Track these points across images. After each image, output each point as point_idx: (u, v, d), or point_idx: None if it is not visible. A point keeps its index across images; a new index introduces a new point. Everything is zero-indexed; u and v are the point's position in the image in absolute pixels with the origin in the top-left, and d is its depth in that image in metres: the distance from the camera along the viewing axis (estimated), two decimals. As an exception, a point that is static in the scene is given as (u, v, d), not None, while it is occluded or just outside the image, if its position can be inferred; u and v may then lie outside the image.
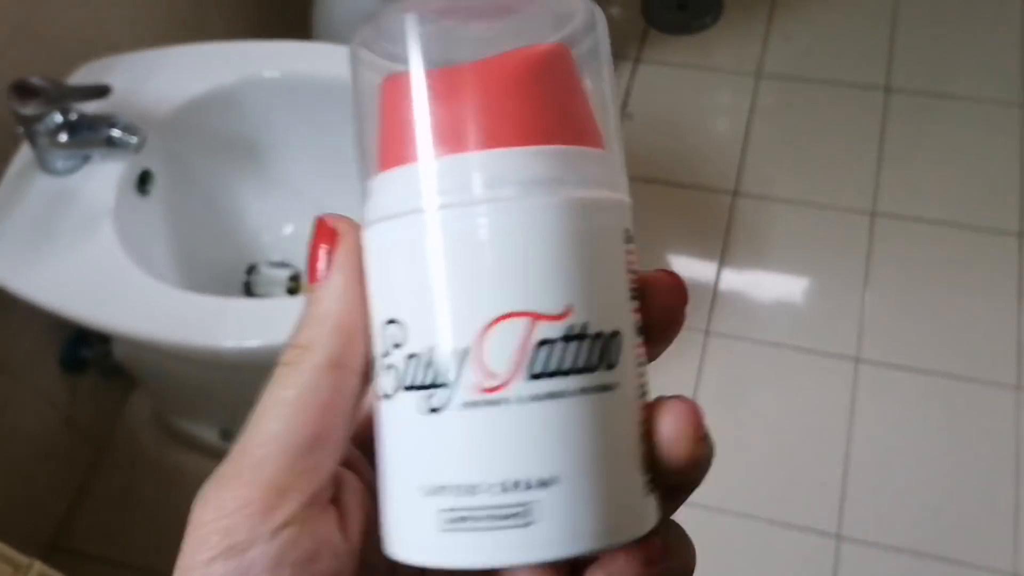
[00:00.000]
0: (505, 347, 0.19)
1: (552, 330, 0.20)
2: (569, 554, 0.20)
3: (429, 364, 0.20)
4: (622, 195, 0.22)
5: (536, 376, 0.19)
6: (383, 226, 0.21)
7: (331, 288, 0.22)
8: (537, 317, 0.20)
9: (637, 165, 1.38)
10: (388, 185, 0.21)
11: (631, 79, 1.48)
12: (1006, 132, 1.36)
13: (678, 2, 1.55)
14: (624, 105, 1.45)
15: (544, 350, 0.19)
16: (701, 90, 1.48)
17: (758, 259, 1.30)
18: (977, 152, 1.35)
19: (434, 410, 0.20)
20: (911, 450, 1.13)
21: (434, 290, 0.20)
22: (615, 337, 0.20)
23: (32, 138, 0.79)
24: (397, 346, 0.21)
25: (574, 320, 0.20)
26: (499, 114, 0.21)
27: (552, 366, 0.19)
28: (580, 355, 0.20)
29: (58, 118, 0.78)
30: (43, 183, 0.82)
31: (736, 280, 1.27)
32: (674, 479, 0.21)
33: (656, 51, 1.51)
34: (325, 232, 0.22)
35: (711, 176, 1.37)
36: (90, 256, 0.77)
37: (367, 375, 0.22)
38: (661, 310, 0.22)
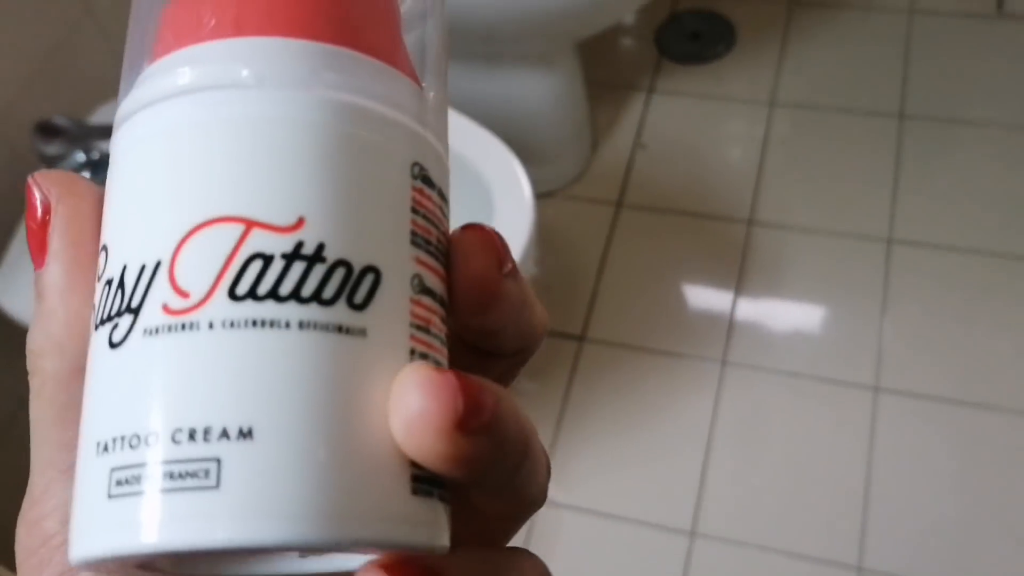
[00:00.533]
0: (206, 258, 0.15)
1: (271, 243, 0.15)
2: (269, 538, 0.14)
3: (119, 288, 0.16)
4: (426, 134, 0.18)
5: (239, 297, 0.15)
6: (118, 132, 0.18)
7: (50, 279, 0.18)
8: (252, 224, 0.15)
9: (652, 195, 1.39)
10: (142, 80, 0.18)
11: (645, 109, 1.49)
12: (1022, 157, 1.36)
13: (691, 32, 1.57)
14: (638, 135, 1.45)
15: (256, 266, 0.15)
16: (715, 119, 1.49)
17: (774, 288, 1.29)
18: (994, 178, 1.35)
19: (114, 344, 0.16)
20: (932, 480, 1.11)
21: (138, 196, 0.16)
22: (368, 273, 0.16)
23: (55, 176, 0.80)
24: (99, 278, 0.17)
25: (305, 236, 0.16)
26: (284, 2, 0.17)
27: (264, 288, 0.15)
28: (307, 281, 0.15)
29: (81, 157, 0.80)
30: (66, 220, 0.83)
31: (752, 309, 1.27)
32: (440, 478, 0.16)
33: (669, 81, 1.52)
34: (34, 202, 0.19)
35: (726, 205, 1.37)
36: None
37: None
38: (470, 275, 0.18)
